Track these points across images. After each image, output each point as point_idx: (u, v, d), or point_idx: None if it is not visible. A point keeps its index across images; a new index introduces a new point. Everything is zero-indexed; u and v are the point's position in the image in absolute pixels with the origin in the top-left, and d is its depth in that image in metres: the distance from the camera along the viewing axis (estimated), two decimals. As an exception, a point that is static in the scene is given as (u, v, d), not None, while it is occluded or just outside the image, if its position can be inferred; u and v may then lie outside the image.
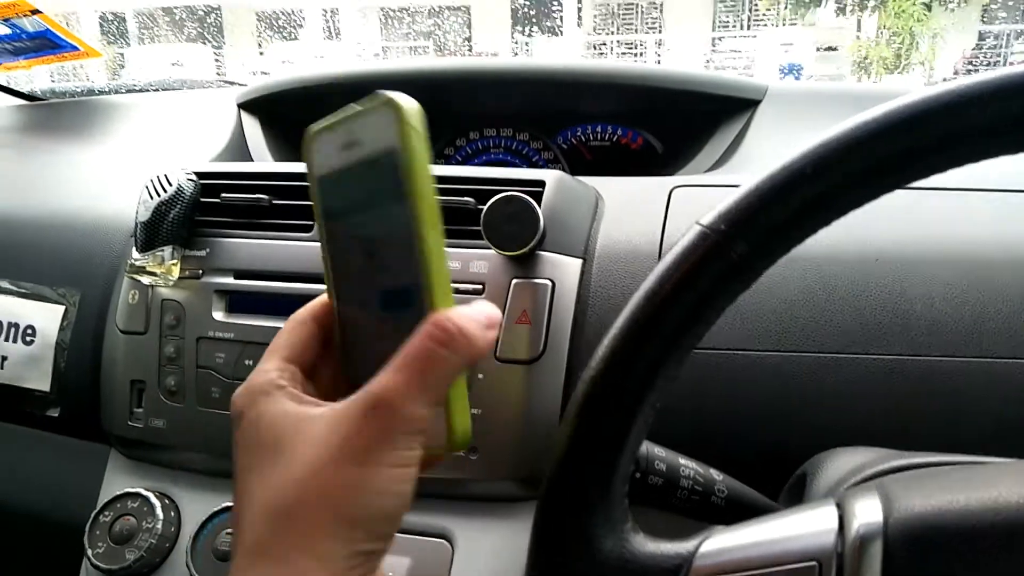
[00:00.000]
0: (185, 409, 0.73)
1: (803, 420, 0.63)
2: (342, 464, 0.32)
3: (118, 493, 0.72)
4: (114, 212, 0.85)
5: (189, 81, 1.40)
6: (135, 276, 0.74)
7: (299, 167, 0.80)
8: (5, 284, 0.83)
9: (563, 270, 0.68)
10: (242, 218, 0.77)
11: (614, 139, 1.07)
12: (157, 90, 1.38)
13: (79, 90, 1.41)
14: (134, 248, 0.74)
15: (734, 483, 0.52)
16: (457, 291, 0.65)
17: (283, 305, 0.72)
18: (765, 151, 0.87)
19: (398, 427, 0.33)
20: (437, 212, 0.35)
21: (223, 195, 0.77)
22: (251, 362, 0.71)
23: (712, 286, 0.38)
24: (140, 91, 1.38)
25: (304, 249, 0.73)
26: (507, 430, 0.66)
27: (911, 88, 1.03)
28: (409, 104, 0.34)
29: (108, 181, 0.93)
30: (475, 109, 1.08)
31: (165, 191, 0.75)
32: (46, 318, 0.80)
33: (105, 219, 0.85)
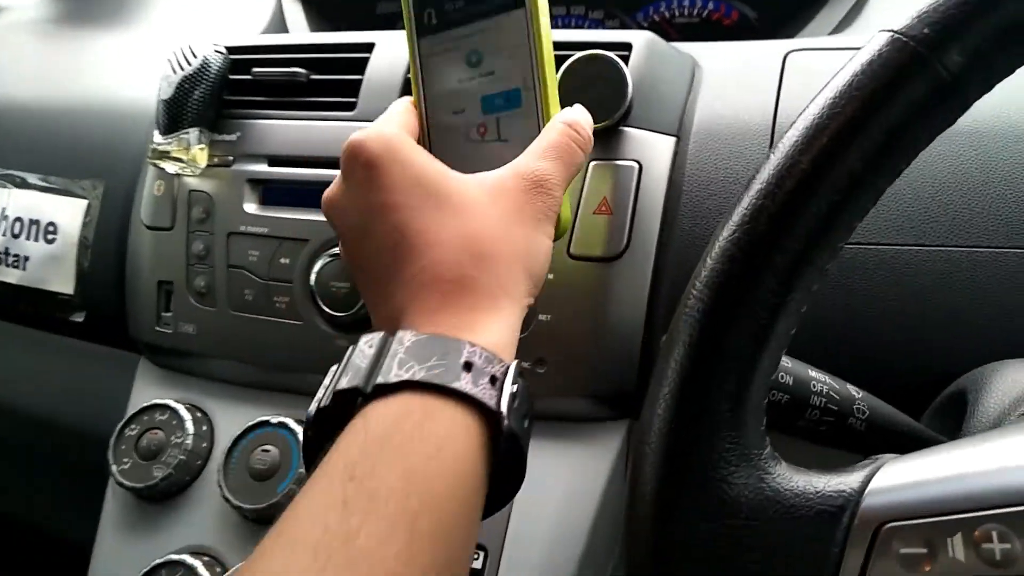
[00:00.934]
0: (217, 313, 0.65)
1: (952, 329, 0.50)
2: (523, 227, 0.38)
3: (145, 405, 0.65)
4: (140, 97, 0.76)
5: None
6: (158, 163, 0.65)
7: (339, 37, 0.69)
8: (22, 176, 0.75)
9: (652, 150, 0.56)
10: (276, 96, 0.66)
11: (704, 13, 0.92)
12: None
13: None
14: (156, 132, 0.65)
15: (876, 401, 0.41)
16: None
17: (320, 196, 0.62)
18: (894, 13, 0.71)
19: (551, 205, 0.39)
20: (549, 25, 0.40)
21: (254, 70, 0.67)
22: (287, 260, 0.62)
23: (908, 117, 0.26)
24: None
25: (347, 129, 0.61)
26: (581, 340, 0.56)
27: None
28: None
29: (135, 65, 0.83)
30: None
31: (190, 65, 0.65)
32: (68, 213, 0.72)
33: (131, 105, 0.76)
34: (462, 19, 0.42)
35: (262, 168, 0.64)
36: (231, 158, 0.65)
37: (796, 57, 0.61)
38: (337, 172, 0.61)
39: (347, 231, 0.41)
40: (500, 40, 0.42)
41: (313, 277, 0.60)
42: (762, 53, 0.63)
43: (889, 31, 0.26)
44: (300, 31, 0.94)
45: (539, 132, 0.42)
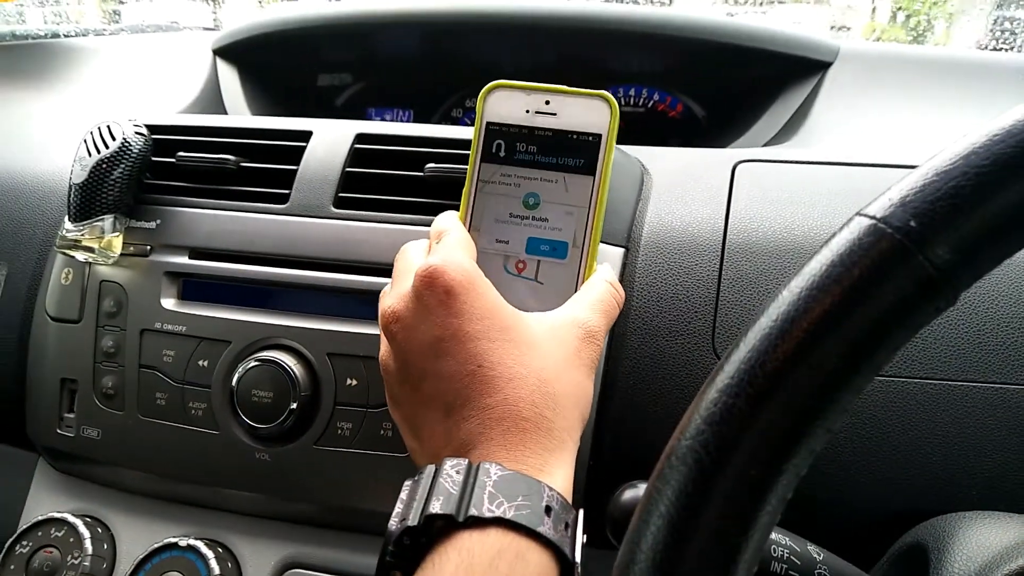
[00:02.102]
0: (124, 417, 0.59)
1: (908, 470, 0.49)
2: (578, 372, 0.40)
3: (40, 518, 0.58)
4: (55, 171, 0.70)
5: (164, 26, 1.24)
6: (67, 252, 0.60)
7: (274, 122, 0.65)
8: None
9: (602, 261, 0.54)
10: (202, 183, 0.62)
11: (649, 104, 0.92)
12: (127, 32, 1.22)
13: (42, 33, 1.26)
14: (66, 218, 0.60)
15: (839, 563, 0.38)
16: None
17: (246, 293, 0.58)
18: (837, 123, 0.72)
19: (598, 354, 0.42)
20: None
21: (179, 154, 0.62)
22: (206, 363, 0.57)
23: (890, 313, 0.24)
24: (111, 35, 1.23)
25: (276, 225, 0.59)
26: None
27: (977, 54, 0.88)
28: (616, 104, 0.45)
29: (54, 135, 0.77)
30: (486, 62, 0.92)
31: (107, 146, 0.60)
32: (-37, 297, 0.65)
33: (43, 179, 0.70)
34: (529, 163, 0.46)
35: (182, 260, 0.60)
36: (149, 247, 0.60)
37: (745, 168, 0.60)
38: (263, 268, 0.58)
39: (413, 349, 0.41)
40: (562, 195, 0.46)
41: (234, 383, 0.55)
42: (711, 162, 0.62)
43: (870, 219, 0.24)
44: (235, 99, 0.90)
45: (575, 286, 0.45)
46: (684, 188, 0.59)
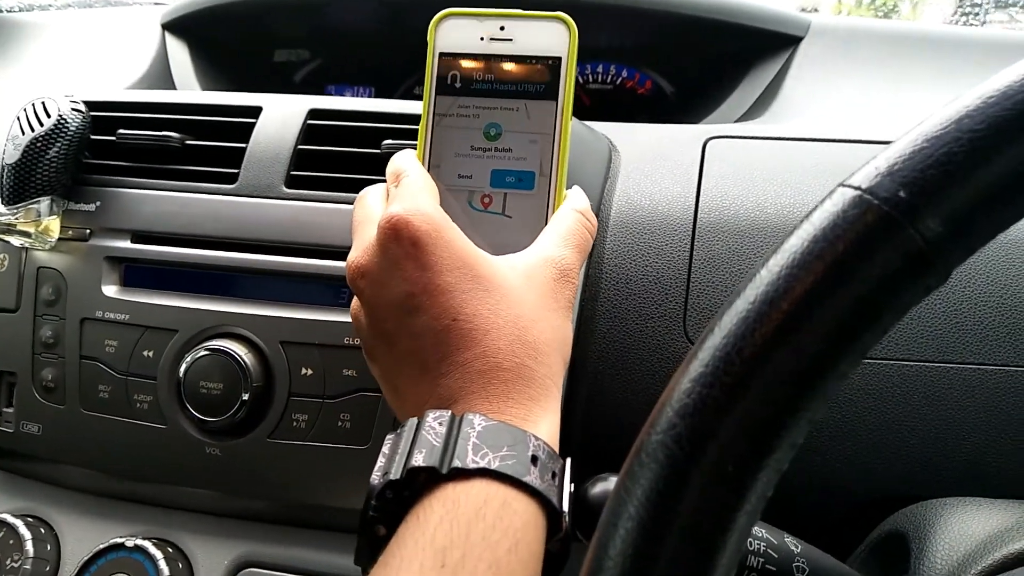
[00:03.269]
0: (66, 411, 0.55)
1: (884, 454, 0.47)
2: (557, 315, 0.39)
3: (-25, 521, 0.55)
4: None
5: (113, 0, 1.18)
6: (1, 237, 0.56)
7: (221, 97, 0.62)
8: None
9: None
10: (144, 163, 0.58)
11: (617, 81, 0.89)
12: (74, 8, 1.16)
13: (-19, 7, 1.19)
14: (0, 200, 0.56)
15: (816, 554, 0.37)
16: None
17: (193, 279, 0.55)
18: (809, 98, 0.70)
19: (574, 293, 0.41)
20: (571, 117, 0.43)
21: (120, 131, 0.59)
22: (151, 353, 0.54)
23: (877, 291, 0.21)
24: (56, 10, 1.17)
25: (224, 206, 0.55)
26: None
27: (948, 29, 0.87)
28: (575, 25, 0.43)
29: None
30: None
31: (41, 124, 0.56)
32: None
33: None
34: (488, 92, 0.44)
35: (124, 244, 0.56)
36: (88, 231, 0.57)
37: (716, 145, 0.58)
38: (210, 252, 0.55)
39: (382, 305, 0.39)
40: (524, 123, 0.44)
41: (182, 374, 0.52)
42: (681, 138, 0.59)
43: (855, 189, 0.22)
44: (185, 76, 0.86)
45: (545, 218, 0.43)
46: (653, 165, 0.57)
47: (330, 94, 0.96)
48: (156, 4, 1.12)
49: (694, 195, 0.54)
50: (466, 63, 0.44)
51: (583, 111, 0.88)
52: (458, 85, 0.44)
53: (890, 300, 0.21)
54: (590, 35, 0.86)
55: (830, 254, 0.22)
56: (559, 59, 0.43)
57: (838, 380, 0.22)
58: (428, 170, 0.44)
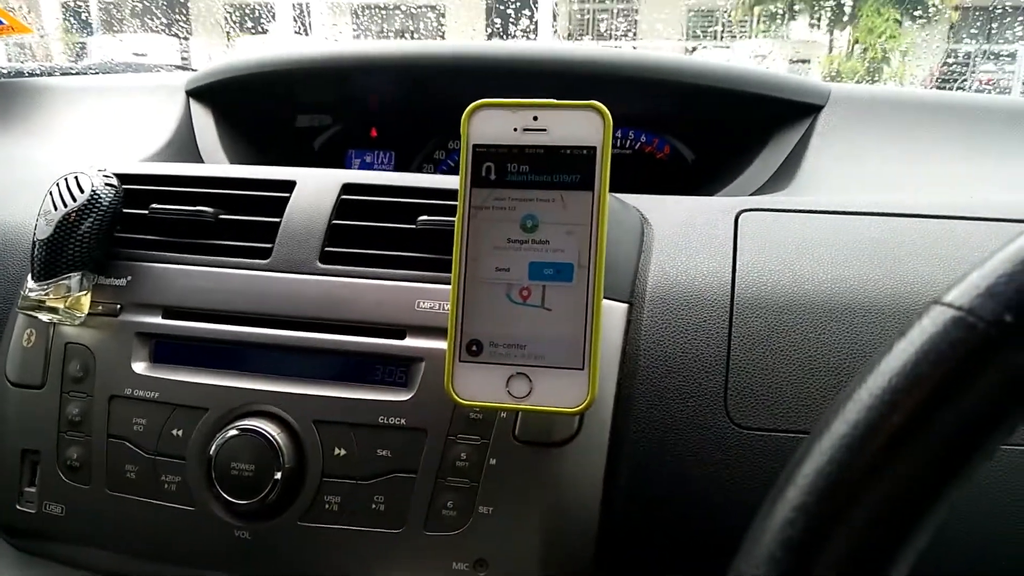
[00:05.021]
0: (91, 492, 0.54)
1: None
2: None
3: (-6, 607, 0.53)
4: (17, 223, 0.66)
5: (135, 64, 1.20)
6: (30, 313, 0.55)
7: (255, 171, 0.62)
8: None
9: (605, 318, 0.51)
10: (177, 236, 0.58)
11: (636, 146, 0.90)
12: (97, 73, 1.18)
13: (5, 71, 1.21)
14: (29, 276, 0.55)
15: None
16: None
17: (224, 356, 0.54)
18: (832, 168, 0.70)
19: None
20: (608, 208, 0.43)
21: (152, 206, 0.59)
22: (180, 432, 0.53)
23: (980, 415, 0.21)
24: (78, 74, 1.19)
25: (258, 281, 0.55)
26: (529, 534, 0.49)
27: (968, 96, 0.88)
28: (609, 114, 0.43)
29: (16, 184, 0.73)
30: (468, 103, 0.90)
31: (74, 199, 0.56)
32: (-87, 360, 0.60)
33: (5, 230, 0.66)
34: (523, 183, 0.44)
35: (155, 320, 0.56)
36: (118, 306, 0.56)
37: (749, 217, 0.58)
38: (242, 328, 0.54)
39: None
40: (561, 214, 0.44)
41: (212, 454, 0.51)
42: (712, 211, 0.59)
43: (954, 308, 0.21)
44: (209, 142, 0.86)
45: (585, 310, 0.43)
46: (687, 239, 0.57)
47: (351, 159, 0.97)
48: (177, 67, 1.13)
49: (730, 269, 0.54)
50: (500, 154, 0.44)
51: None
52: (493, 177, 0.44)
53: (997, 424, 0.21)
54: (609, 103, 0.87)
55: (934, 378, 0.21)
56: (594, 148, 0.44)
57: (946, 504, 0.21)
58: (466, 263, 0.44)
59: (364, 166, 0.97)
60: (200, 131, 0.87)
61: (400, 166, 0.96)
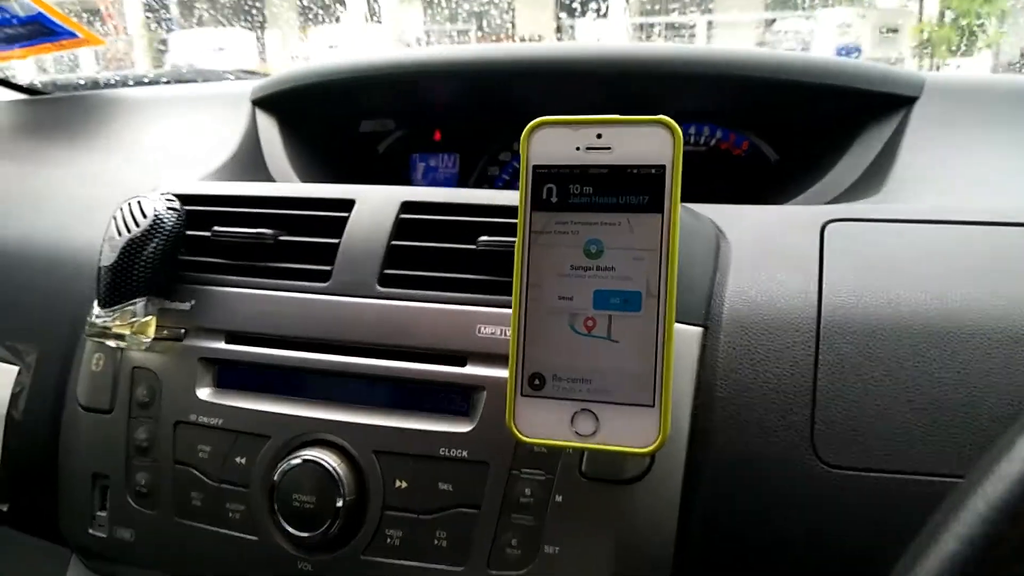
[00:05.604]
0: (158, 518, 0.54)
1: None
2: None
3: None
4: (87, 243, 0.67)
5: (204, 71, 1.21)
6: (96, 339, 0.56)
7: (314, 190, 0.61)
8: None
9: (676, 344, 0.48)
10: (238, 259, 0.58)
11: (711, 143, 0.85)
12: (169, 82, 1.20)
13: (83, 83, 1.24)
14: (95, 303, 0.56)
15: None
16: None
17: (286, 381, 0.53)
18: (930, 170, 0.64)
19: None
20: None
21: (215, 228, 0.58)
22: (244, 460, 0.52)
23: None
24: (151, 83, 1.21)
25: (317, 305, 0.54)
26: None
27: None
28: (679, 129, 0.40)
29: (89, 200, 0.74)
30: (534, 105, 0.87)
31: (137, 225, 0.56)
32: (-6, 382, 0.62)
33: (77, 250, 0.67)
34: (587, 206, 0.41)
35: (218, 345, 0.55)
36: (183, 331, 0.56)
37: (836, 229, 0.54)
38: (307, 355, 0.53)
39: None
40: (628, 239, 0.41)
41: (274, 484, 0.50)
42: (796, 222, 0.55)
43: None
44: (274, 150, 0.86)
45: (655, 342, 0.40)
46: (768, 254, 0.53)
47: (415, 163, 0.95)
48: (245, 73, 1.14)
49: (816, 289, 0.50)
50: (562, 176, 0.42)
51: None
52: (555, 200, 0.42)
53: None
54: (681, 99, 0.83)
55: None
56: (663, 167, 0.40)
57: None
58: (527, 291, 0.42)
59: (429, 170, 0.95)
60: (266, 141, 0.87)
61: (465, 168, 0.94)
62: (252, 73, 1.13)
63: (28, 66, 1.27)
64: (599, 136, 0.42)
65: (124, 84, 1.20)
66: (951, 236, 0.52)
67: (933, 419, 0.45)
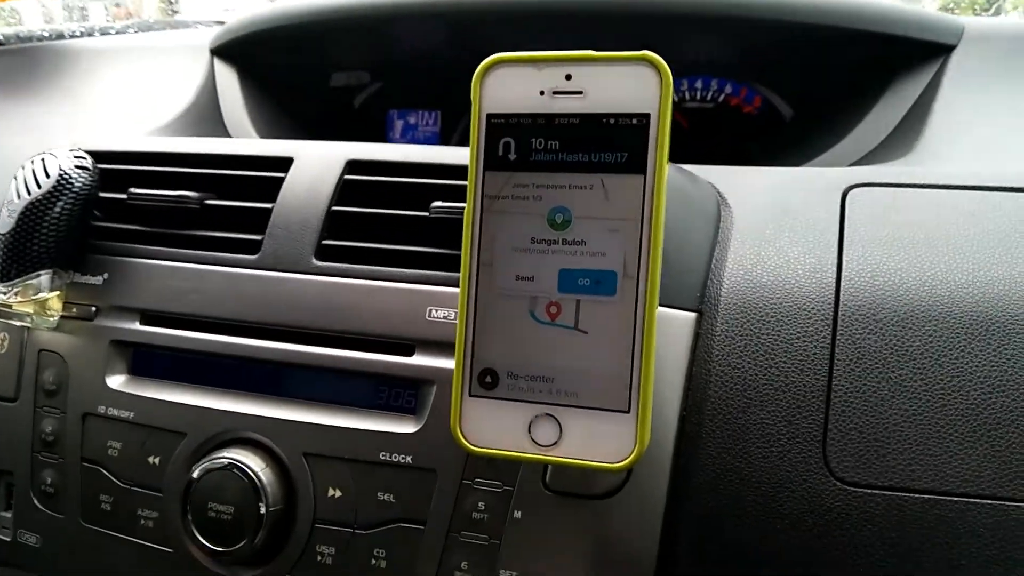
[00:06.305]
0: (65, 523, 0.47)
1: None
2: None
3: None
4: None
5: (174, 22, 1.13)
6: (-3, 316, 0.48)
7: (247, 146, 0.52)
8: None
9: (663, 333, 0.40)
10: (158, 226, 0.50)
11: (719, 98, 0.76)
12: (133, 31, 1.11)
13: (47, 34, 1.16)
14: (-7, 273, 0.48)
15: None
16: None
17: (207, 370, 0.46)
18: (969, 128, 0.55)
19: None
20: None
21: (131, 190, 0.50)
22: (157, 460, 0.45)
23: None
24: (116, 33, 1.13)
25: (244, 281, 0.46)
26: (562, 606, 0.39)
27: None
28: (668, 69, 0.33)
29: (15, 154, 0.66)
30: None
31: (39, 186, 0.48)
32: None
33: None
34: (552, 164, 0.34)
35: (132, 326, 0.47)
36: (94, 309, 0.48)
37: (860, 196, 0.45)
38: (229, 338, 0.45)
39: None
40: (601, 206, 0.34)
41: (188, 491, 0.42)
42: (812, 187, 0.46)
43: None
44: (233, 105, 0.78)
45: (633, 334, 0.33)
46: (777, 225, 0.44)
47: (392, 120, 0.87)
48: (217, 24, 1.05)
49: (834, 267, 0.41)
50: (523, 127, 0.34)
51: (680, 138, 0.75)
52: (512, 157, 0.34)
53: None
54: (685, 48, 0.74)
55: None
56: (647, 117, 0.33)
57: None
58: (477, 270, 0.34)
59: (407, 128, 0.87)
60: (224, 94, 0.78)
61: (446, 126, 0.86)
62: (219, 22, 1.04)
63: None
64: (568, 77, 0.34)
65: (88, 35, 1.12)
66: (995, 204, 0.43)
67: (973, 427, 0.37)
